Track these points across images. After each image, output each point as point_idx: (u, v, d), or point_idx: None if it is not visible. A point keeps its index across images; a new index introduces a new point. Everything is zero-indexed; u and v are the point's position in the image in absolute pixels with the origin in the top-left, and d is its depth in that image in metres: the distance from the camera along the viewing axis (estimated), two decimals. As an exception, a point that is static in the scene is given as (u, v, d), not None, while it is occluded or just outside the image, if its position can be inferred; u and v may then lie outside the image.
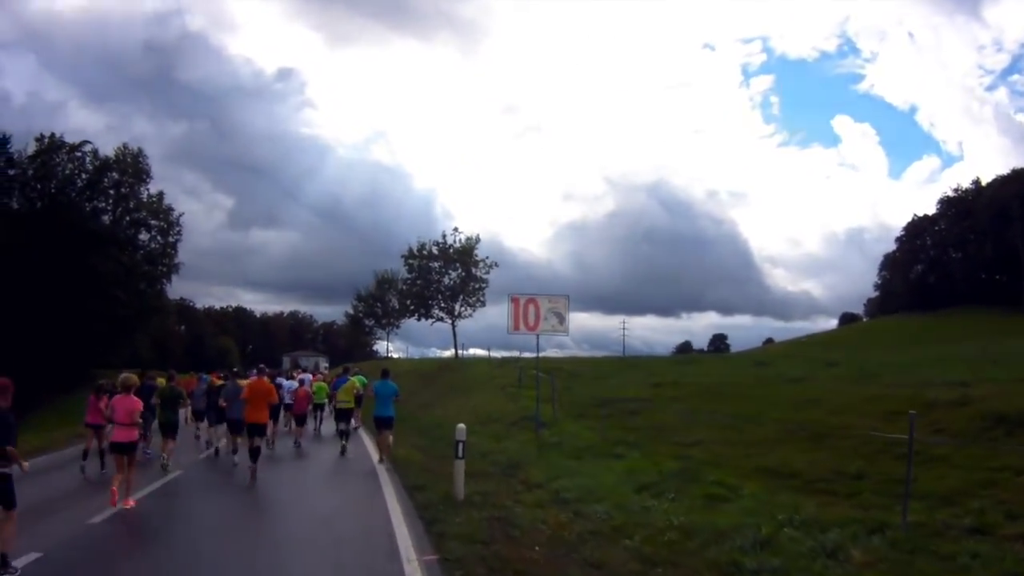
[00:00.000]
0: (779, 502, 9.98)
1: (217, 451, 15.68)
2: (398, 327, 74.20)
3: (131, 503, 9.83)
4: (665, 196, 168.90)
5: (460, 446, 10.50)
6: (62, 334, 49.12)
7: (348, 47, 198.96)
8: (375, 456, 15.16)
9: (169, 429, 13.56)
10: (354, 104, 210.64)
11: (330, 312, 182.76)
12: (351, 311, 78.73)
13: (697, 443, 15.18)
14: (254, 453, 12.63)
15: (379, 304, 73.73)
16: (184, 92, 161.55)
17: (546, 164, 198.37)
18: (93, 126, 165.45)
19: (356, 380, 19.35)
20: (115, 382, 11.29)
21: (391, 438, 14.58)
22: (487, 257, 56.73)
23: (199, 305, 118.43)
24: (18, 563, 6.73)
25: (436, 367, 43.75)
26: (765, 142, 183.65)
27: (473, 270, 55.84)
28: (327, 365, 66.94)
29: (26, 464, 6.92)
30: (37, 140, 55.74)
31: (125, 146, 59.70)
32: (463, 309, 56.48)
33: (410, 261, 57.25)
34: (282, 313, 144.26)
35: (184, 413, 16.22)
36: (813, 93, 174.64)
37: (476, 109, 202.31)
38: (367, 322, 78.26)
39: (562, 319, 16.56)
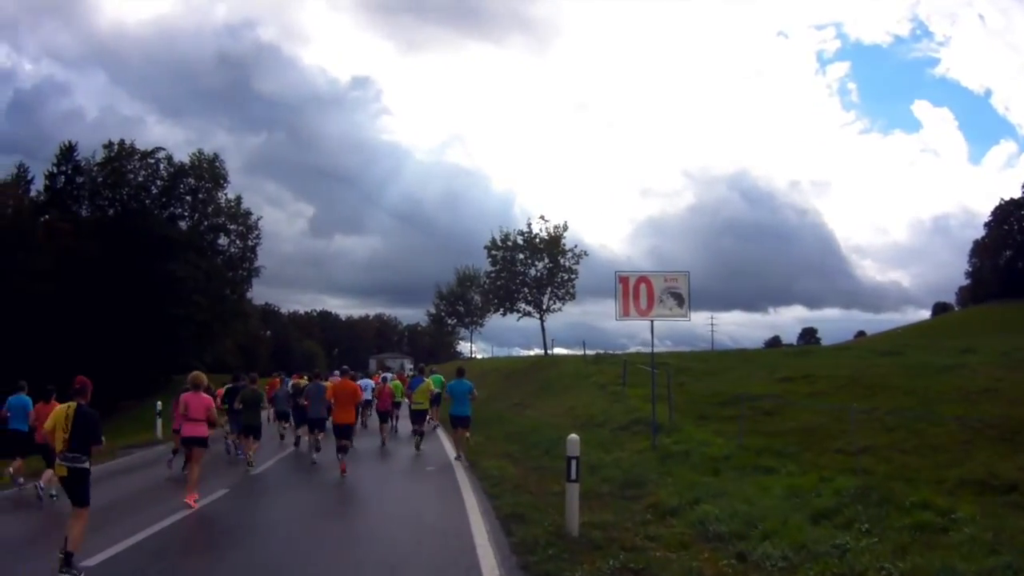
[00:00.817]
0: (1013, 528, 7.38)
1: (297, 440, 16.86)
2: (481, 325, 72.38)
3: (194, 497, 9.75)
4: (746, 188, 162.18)
5: (573, 464, 7.84)
6: (143, 341, 49.08)
7: (421, 54, 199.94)
8: (452, 453, 15.13)
9: (252, 431, 13.90)
10: (430, 109, 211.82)
11: (413, 315, 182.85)
12: (433, 310, 77.40)
13: (866, 450, 12.16)
14: (342, 451, 12.92)
15: (461, 302, 71.95)
16: (261, 103, 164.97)
17: (623, 160, 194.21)
18: (173, 139, 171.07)
19: (431, 381, 19.09)
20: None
21: (468, 435, 14.71)
22: (575, 246, 52.68)
23: (284, 310, 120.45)
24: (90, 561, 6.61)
25: (525, 365, 41.10)
26: (846, 129, 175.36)
27: (561, 260, 51.68)
28: (411, 366, 65.67)
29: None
30: (106, 147, 55.96)
31: (200, 152, 59.85)
32: (551, 303, 52.60)
33: (493, 252, 53.12)
34: (367, 316, 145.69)
35: (266, 414, 16.73)
36: (890, 78, 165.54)
37: (551, 108, 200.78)
38: (449, 321, 76.67)
39: (682, 301, 13.58)
